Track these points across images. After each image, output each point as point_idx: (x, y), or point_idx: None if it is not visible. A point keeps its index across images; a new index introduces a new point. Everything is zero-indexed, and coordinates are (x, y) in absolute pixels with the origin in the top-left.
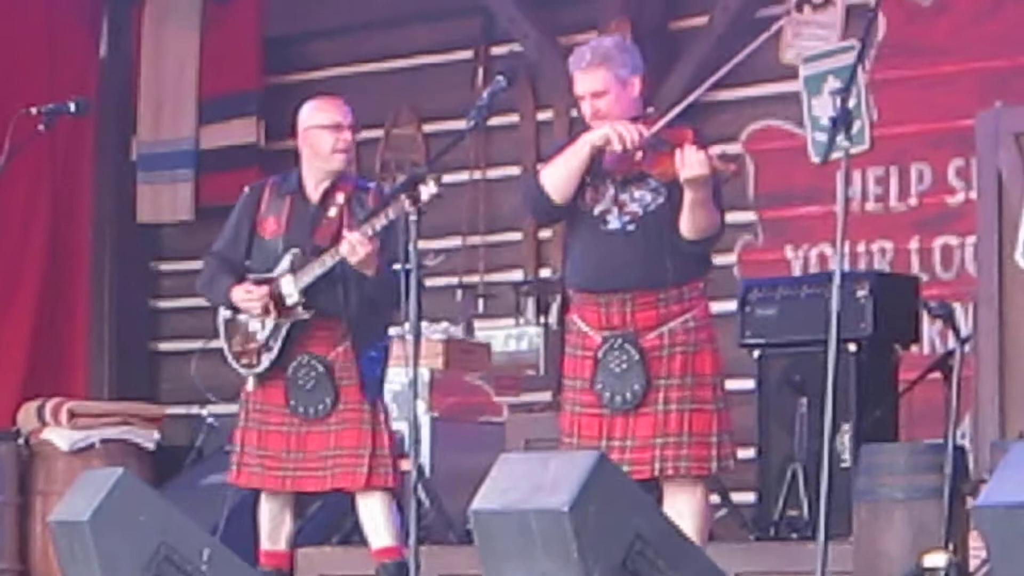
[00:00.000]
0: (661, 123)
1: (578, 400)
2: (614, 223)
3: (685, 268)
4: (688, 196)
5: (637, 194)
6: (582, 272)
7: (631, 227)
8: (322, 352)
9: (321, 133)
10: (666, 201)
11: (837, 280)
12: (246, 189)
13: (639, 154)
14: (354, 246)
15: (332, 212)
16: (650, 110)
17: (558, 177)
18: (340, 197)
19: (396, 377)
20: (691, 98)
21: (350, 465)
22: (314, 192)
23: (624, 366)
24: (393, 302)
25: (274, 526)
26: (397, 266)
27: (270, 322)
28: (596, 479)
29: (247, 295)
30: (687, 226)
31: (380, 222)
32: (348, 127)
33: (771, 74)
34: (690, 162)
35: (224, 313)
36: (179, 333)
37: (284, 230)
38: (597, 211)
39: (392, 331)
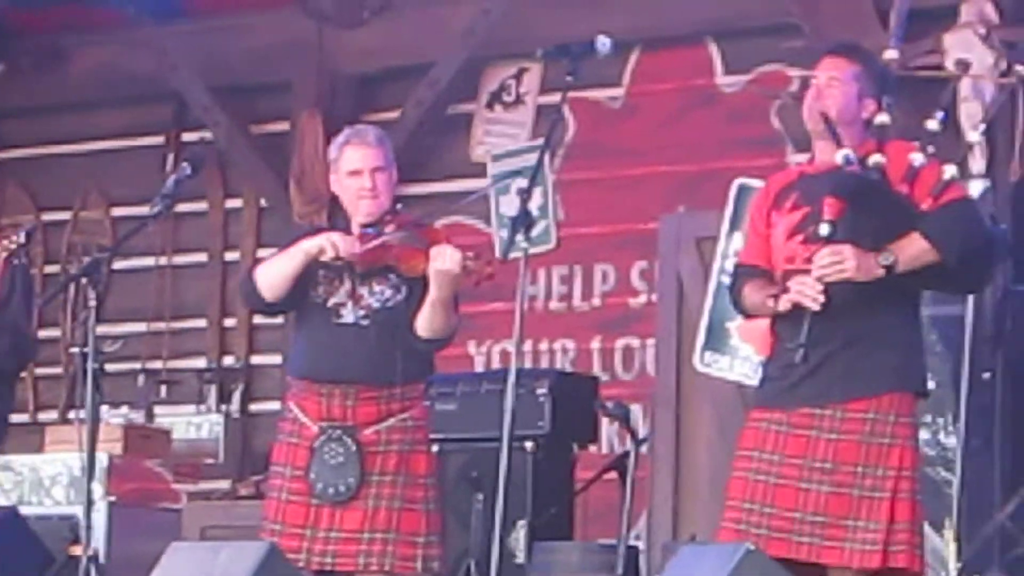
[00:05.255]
0: (420, 219)
1: (286, 487)
2: (348, 316)
3: (412, 367)
4: (433, 293)
5: (377, 288)
6: (308, 361)
7: (365, 321)
8: None
9: None
10: (404, 299)
11: (512, 378)
12: None
13: (393, 251)
14: None
15: None
16: (399, 206)
17: (270, 277)
18: None
19: (73, 461)
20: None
21: None
22: None
23: (340, 458)
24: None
25: None
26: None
27: None
28: (266, 570)
29: None
30: (424, 324)
31: None
32: None
33: (461, 170)
34: (445, 258)
35: None
36: None
37: None
38: (331, 303)
39: (71, 414)
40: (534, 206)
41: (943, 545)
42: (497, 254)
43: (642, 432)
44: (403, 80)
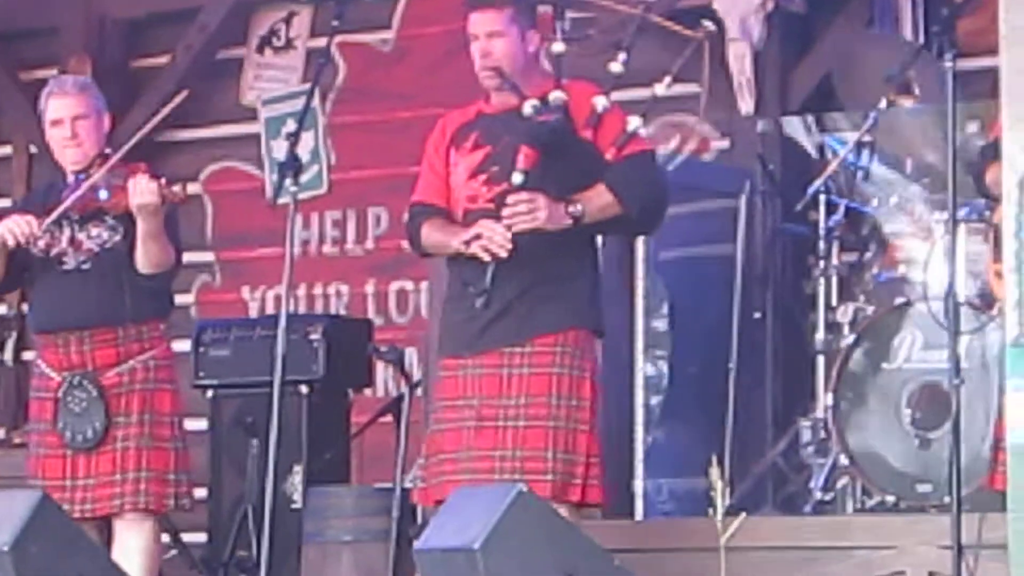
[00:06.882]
0: (116, 157)
1: (42, 442)
2: (70, 263)
3: (144, 306)
4: (140, 227)
5: (95, 232)
6: (41, 314)
7: (86, 265)
8: None
9: None
10: (123, 238)
11: (283, 322)
12: None
13: (102, 192)
14: None
15: None
16: (107, 151)
17: None
18: None
19: None
20: (143, 132)
21: None
22: None
23: (84, 404)
24: None
25: None
26: None
27: None
28: (37, 520)
29: None
30: (141, 259)
31: None
32: None
33: (231, 115)
34: (140, 190)
35: None
36: None
37: None
38: (54, 253)
39: None
40: (305, 150)
41: (711, 484)
42: (267, 198)
43: (416, 375)
44: (172, 25)
